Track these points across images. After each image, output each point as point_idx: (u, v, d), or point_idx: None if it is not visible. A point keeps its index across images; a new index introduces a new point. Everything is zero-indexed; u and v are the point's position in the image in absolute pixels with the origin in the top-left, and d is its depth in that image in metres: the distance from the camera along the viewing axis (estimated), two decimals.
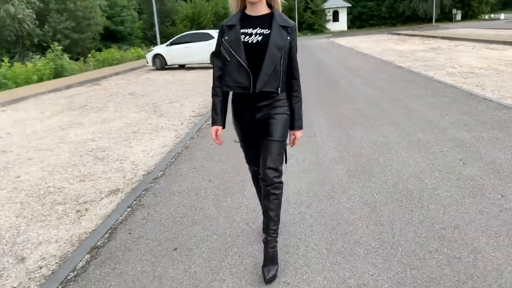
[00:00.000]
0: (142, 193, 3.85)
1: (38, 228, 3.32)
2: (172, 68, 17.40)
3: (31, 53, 22.95)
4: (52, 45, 16.60)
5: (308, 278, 2.38)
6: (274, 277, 2.38)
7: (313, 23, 52.45)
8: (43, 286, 2.52)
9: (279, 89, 2.30)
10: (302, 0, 51.73)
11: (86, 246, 2.93)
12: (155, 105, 8.74)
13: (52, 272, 2.67)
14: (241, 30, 2.27)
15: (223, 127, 2.47)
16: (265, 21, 2.29)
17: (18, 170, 4.84)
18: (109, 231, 3.14)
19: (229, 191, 3.77)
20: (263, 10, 2.32)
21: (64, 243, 3.05)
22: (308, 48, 24.36)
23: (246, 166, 2.80)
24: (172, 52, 16.79)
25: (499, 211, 2.98)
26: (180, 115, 7.55)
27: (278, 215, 2.39)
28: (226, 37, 2.29)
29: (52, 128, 7.06)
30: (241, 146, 2.58)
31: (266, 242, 2.43)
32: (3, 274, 2.70)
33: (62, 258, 2.83)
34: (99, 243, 2.97)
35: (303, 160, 4.45)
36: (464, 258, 2.46)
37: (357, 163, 4.24)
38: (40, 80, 14.50)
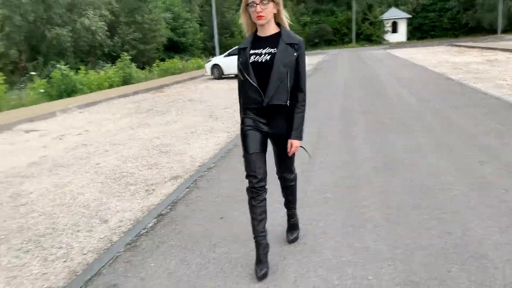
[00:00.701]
0: (198, 178, 4.64)
1: (116, 201, 4.19)
2: (228, 77, 18.45)
3: (101, 62, 25.02)
4: (122, 55, 18.23)
5: (323, 241, 3.02)
6: (295, 239, 3.05)
7: (371, 34, 52.12)
8: (122, 238, 3.34)
9: (288, 101, 2.53)
10: (360, 11, 51.68)
11: (154, 213, 3.75)
12: (211, 110, 9.65)
13: (128, 229, 3.49)
14: (252, 51, 2.54)
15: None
16: (273, 40, 2.53)
17: (98, 159, 5.83)
18: (171, 204, 3.93)
19: (268, 179, 4.46)
20: (272, 30, 2.56)
21: (137, 211, 3.88)
22: (363, 58, 24.62)
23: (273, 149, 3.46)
24: (228, 63, 17.85)
25: (499, 202, 3.44)
26: (233, 119, 8.37)
27: (295, 197, 3.02)
28: (240, 60, 2.60)
29: (123, 128, 8.13)
30: (243, 156, 2.67)
31: (288, 215, 3.08)
32: (92, 229, 3.56)
33: (135, 221, 3.66)
34: (163, 212, 3.77)
35: (337, 158, 5.06)
36: (454, 233, 2.98)
37: (384, 162, 4.78)
38: (111, 86, 16.05)
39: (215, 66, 18.26)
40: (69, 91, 13.58)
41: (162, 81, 18.06)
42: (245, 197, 2.72)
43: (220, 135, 6.95)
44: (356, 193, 3.91)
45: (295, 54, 2.50)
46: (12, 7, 22.19)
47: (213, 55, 29.90)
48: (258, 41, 2.56)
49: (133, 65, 18.85)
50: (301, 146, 2.68)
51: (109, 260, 2.96)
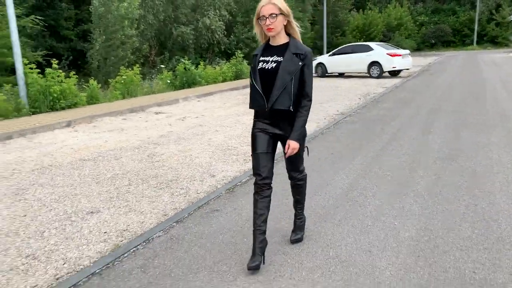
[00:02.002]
0: (277, 155, 5.76)
1: (222, 164, 5.49)
2: (332, 76, 19.23)
3: (218, 58, 27.42)
4: (236, 53, 20.10)
5: (371, 201, 3.93)
6: (297, 240, 3.13)
7: (496, 35, 48.19)
8: (224, 186, 4.60)
9: (291, 107, 2.69)
10: (485, 11, 48.08)
11: (248, 173, 4.96)
12: None
13: (228, 181, 4.75)
14: (261, 58, 2.76)
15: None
16: (281, 50, 2.73)
17: (210, 135, 7.27)
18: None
19: (341, 159, 5.42)
20: (282, 40, 2.76)
21: (236, 172, 5.13)
22: (478, 62, 23.49)
23: (359, 144, 4.41)
24: (333, 61, 18.65)
25: None
26: (325, 113, 9.32)
27: (303, 198, 3.14)
28: (251, 65, 2.82)
29: (231, 114, 9.58)
30: (251, 155, 2.89)
31: (295, 215, 3.19)
32: (203, 180, 4.88)
33: (234, 177, 4.90)
34: None
35: (407, 147, 5.80)
36: (479, 205, 3.68)
37: (449, 154, 5.41)
38: (224, 80, 17.93)
39: (319, 65, 19.18)
40: (190, 83, 15.65)
41: None
42: (321, 169, 3.73)
43: (310, 125, 7.97)
44: (412, 173, 4.69)
45: (300, 63, 2.68)
46: (147, 7, 25.40)
47: (322, 54, 30.78)
48: (269, 50, 2.78)
49: (245, 62, 20.61)
50: (306, 147, 2.92)
51: (214, 197, 4.22)
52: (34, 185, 4.84)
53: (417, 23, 49.94)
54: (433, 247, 2.99)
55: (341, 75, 19.37)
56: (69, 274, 2.86)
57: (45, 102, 10.04)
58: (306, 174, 3.12)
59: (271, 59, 2.72)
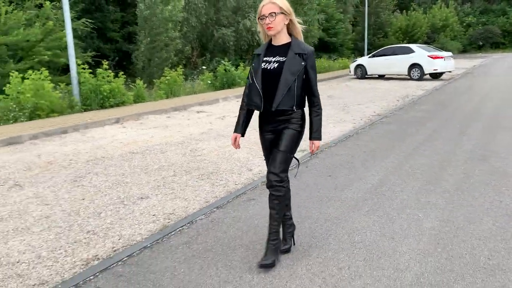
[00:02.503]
0: (318, 152, 6.04)
1: (258, 160, 5.84)
2: (371, 78, 19.20)
3: None
4: None
5: (399, 194, 4.16)
6: (263, 266, 2.76)
7: None
8: (259, 178, 4.94)
9: (294, 107, 2.70)
10: None
11: None
12: (345, 105, 10.88)
13: (264, 175, 5.08)
14: (264, 58, 2.75)
15: (242, 136, 2.98)
16: (284, 50, 2.73)
17: (247, 134, 7.63)
18: (294, 164, 5.41)
19: (374, 157, 5.64)
20: (284, 40, 2.75)
21: None
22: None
23: (393, 145, 4.64)
24: (372, 63, 18.63)
25: None
26: (362, 114, 9.49)
27: (279, 213, 2.80)
28: (253, 64, 2.81)
29: None
30: (265, 157, 2.96)
31: (268, 235, 2.85)
32: (241, 173, 5.25)
33: None
34: (291, 167, 5.27)
35: (440, 148, 5.94)
36: (504, 202, 3.84)
37: (481, 154, 5.52)
38: None
39: (359, 66, 19.20)
40: (229, 83, 16.14)
41: None
42: (353, 166, 4.01)
43: (346, 125, 8.20)
44: (441, 171, 4.86)
45: (303, 63, 2.68)
46: (190, 10, 26.20)
47: (363, 55, 30.61)
48: (271, 49, 2.78)
49: None
50: (295, 157, 2.88)
51: (251, 188, 4.58)
52: (90, 174, 5.38)
53: (464, 24, 48.50)
54: (452, 236, 3.20)
55: (381, 77, 19.31)
56: (124, 247, 3.30)
57: (95, 100, 10.77)
58: (286, 188, 2.81)
59: (273, 59, 2.72)
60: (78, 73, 10.70)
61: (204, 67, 19.73)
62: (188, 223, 3.69)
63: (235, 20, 29.16)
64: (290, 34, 2.78)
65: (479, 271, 2.70)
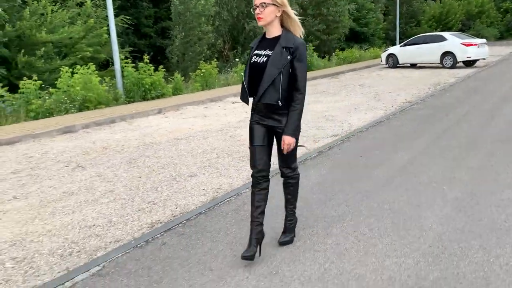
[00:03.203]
0: (351, 136, 6.42)
1: None
2: (403, 67, 19.19)
3: None
4: (307, 45, 20.78)
5: (423, 173, 4.51)
6: (285, 243, 3.04)
7: None
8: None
9: (279, 101, 2.65)
10: None
11: (317, 150, 5.70)
12: (376, 93, 11.14)
13: (299, 157, 5.53)
14: (255, 52, 2.74)
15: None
16: (273, 43, 2.68)
17: None
18: (328, 146, 5.83)
19: (404, 140, 5.98)
20: (275, 32, 2.70)
21: (306, 150, 5.89)
22: None
23: (423, 128, 4.97)
24: (404, 52, 18.62)
25: None
26: (393, 101, 9.74)
27: (293, 198, 3.03)
28: (247, 57, 2.89)
29: None
30: (249, 148, 2.89)
31: (286, 216, 3.08)
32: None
33: (305, 154, 5.66)
34: (322, 150, 5.69)
35: (469, 132, 6.21)
36: None
37: (508, 137, 5.77)
38: None
39: (391, 56, 19.22)
40: None
41: (338, 69, 19.93)
42: (377, 148, 4.39)
43: (377, 112, 8.50)
44: (468, 151, 5.17)
45: (288, 57, 2.62)
46: (222, 4, 26.70)
47: (394, 44, 30.34)
48: (263, 42, 2.76)
49: (315, 54, 21.16)
50: (300, 145, 2.91)
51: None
52: (142, 157, 5.96)
53: (501, 10, 46.93)
54: (474, 204, 3.56)
55: (413, 66, 19.27)
56: (181, 214, 3.82)
57: (138, 93, 11.46)
58: (299, 174, 3.02)
59: (263, 52, 2.70)
60: (122, 67, 11.40)
61: (237, 59, 20.24)
62: (234, 195, 4.19)
63: None
64: (283, 27, 2.72)
65: (495, 231, 3.06)
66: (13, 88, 10.58)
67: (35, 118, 9.36)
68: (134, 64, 11.89)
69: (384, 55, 19.72)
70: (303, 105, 2.72)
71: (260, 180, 2.84)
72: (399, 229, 3.20)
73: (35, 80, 10.02)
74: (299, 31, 2.75)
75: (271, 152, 2.88)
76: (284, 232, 3.09)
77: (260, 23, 2.68)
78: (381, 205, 3.70)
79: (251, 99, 2.83)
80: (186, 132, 7.46)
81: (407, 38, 31.38)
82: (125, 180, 4.92)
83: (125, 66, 11.46)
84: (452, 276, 2.53)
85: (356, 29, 35.66)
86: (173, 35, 21.30)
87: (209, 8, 20.76)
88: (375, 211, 3.58)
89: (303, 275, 2.66)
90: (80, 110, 10.04)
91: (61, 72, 10.42)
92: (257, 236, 2.81)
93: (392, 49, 19.65)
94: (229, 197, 4.12)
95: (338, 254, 2.89)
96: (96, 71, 10.89)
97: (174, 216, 3.79)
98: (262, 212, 2.86)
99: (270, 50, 2.67)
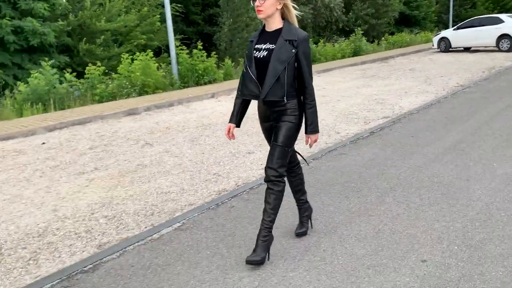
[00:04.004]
0: (401, 118, 6.59)
1: (345, 125, 6.52)
2: (456, 51, 18.67)
3: (335, 36, 27.86)
4: (356, 30, 20.58)
5: (435, 162, 4.67)
6: (251, 262, 2.59)
7: None
8: (348, 139, 5.65)
9: (285, 97, 2.54)
10: None
11: (368, 131, 5.94)
12: (427, 78, 11.07)
13: (352, 136, 5.79)
14: (256, 46, 2.62)
15: (237, 126, 2.83)
16: (274, 36, 2.57)
17: (333, 103, 8.32)
18: (379, 128, 6.05)
19: (455, 122, 6.09)
20: (276, 25, 2.58)
21: (357, 130, 6.14)
22: None
23: (474, 111, 5.10)
24: (457, 36, 18.10)
25: None
26: (445, 85, 9.70)
27: (273, 209, 2.62)
28: (246, 52, 2.68)
29: (351, 87, 10.47)
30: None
31: (260, 230, 2.66)
32: (330, 135, 5.99)
33: (355, 134, 5.92)
34: (374, 131, 5.93)
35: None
36: None
37: None
38: (343, 57, 18.65)
39: (443, 39, 18.74)
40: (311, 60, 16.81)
41: (388, 53, 19.67)
42: (428, 128, 4.57)
43: (428, 96, 8.54)
44: (485, 143, 5.25)
45: (293, 50, 2.51)
46: None
47: (447, 28, 29.33)
48: (263, 36, 2.64)
49: (364, 39, 20.97)
50: (298, 153, 2.91)
51: (341, 146, 5.32)
52: (202, 136, 6.44)
53: None
54: None
55: (466, 49, 18.70)
56: (244, 184, 4.24)
57: (192, 78, 12.02)
58: (284, 184, 2.67)
59: (263, 46, 2.59)
60: (177, 54, 11.99)
61: None
62: None
63: None
64: (284, 19, 2.61)
65: None
66: (75, 74, 11.45)
67: (100, 101, 10.12)
68: (188, 51, 12.43)
69: (436, 39, 19.24)
70: (315, 99, 2.65)
71: (273, 180, 2.63)
72: (448, 198, 3.45)
73: (99, 66, 10.79)
74: (295, 25, 2.63)
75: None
76: (254, 250, 2.64)
77: (260, 16, 2.56)
78: (431, 178, 3.94)
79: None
80: None
81: (461, 21, 30.20)
82: (190, 156, 5.40)
83: (180, 53, 12.03)
84: (497, 237, 2.78)
85: (407, 12, 34.68)
86: (220, 22, 21.70)
87: None
88: (425, 183, 3.83)
89: (359, 234, 2.99)
90: (140, 94, 10.72)
91: (122, 59, 11.13)
92: (306, 213, 3.03)
93: (444, 33, 19.14)
94: None
95: (390, 218, 3.20)
96: (154, 58, 11.53)
97: (237, 186, 4.21)
98: (304, 192, 3.04)
99: (271, 43, 2.56)
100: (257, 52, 2.60)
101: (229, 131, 2.83)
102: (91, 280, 2.67)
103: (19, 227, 3.56)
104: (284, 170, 2.67)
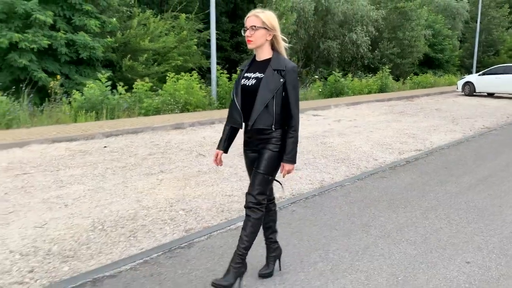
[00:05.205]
0: (434, 152, 7.13)
1: (381, 154, 7.08)
2: (479, 95, 19.21)
3: (359, 72, 28.66)
4: (383, 68, 21.34)
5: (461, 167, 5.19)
6: (216, 285, 2.56)
7: None
8: (386, 165, 6.19)
9: (273, 126, 2.58)
10: None
11: (402, 161, 6.49)
12: (453, 118, 11.62)
13: (389, 163, 6.33)
14: (245, 74, 2.69)
15: (225, 152, 2.86)
16: (263, 66, 2.63)
17: (366, 134, 8.89)
18: (414, 158, 6.59)
19: (484, 159, 6.61)
20: (265, 55, 2.65)
21: (394, 159, 6.68)
22: None
23: (502, 150, 5.64)
24: (482, 81, 18.69)
25: None
26: (471, 126, 10.23)
27: (248, 237, 2.61)
28: (236, 80, 2.74)
29: (381, 121, 11.06)
30: (249, 175, 2.81)
31: (232, 258, 2.66)
32: (368, 161, 6.54)
33: (394, 161, 6.46)
34: (409, 160, 6.47)
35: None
36: None
37: None
38: (369, 92, 19.33)
39: (467, 83, 19.33)
40: (338, 92, 17.48)
41: (412, 92, 20.30)
42: (459, 162, 5.12)
43: (456, 134, 9.08)
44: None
45: (281, 80, 2.57)
46: (301, 23, 27.91)
47: (470, 72, 29.97)
48: (253, 65, 2.72)
49: (390, 76, 21.70)
50: (276, 180, 2.75)
51: (380, 171, 5.87)
52: None
53: None
54: None
55: (490, 95, 19.24)
56: (298, 194, 4.81)
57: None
58: (262, 213, 2.67)
59: (252, 75, 2.67)
60: (217, 77, 12.79)
61: (316, 76, 21.26)
62: (338, 186, 5.12)
63: (341, 33, 30.25)
64: (275, 50, 2.68)
65: None
66: (116, 88, 12.28)
67: (145, 114, 10.89)
68: (228, 75, 13.23)
69: (460, 83, 19.85)
70: (298, 130, 2.66)
71: (251, 207, 2.64)
72: (484, 219, 3.97)
73: (147, 83, 11.62)
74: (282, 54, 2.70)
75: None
76: (224, 275, 2.64)
77: (250, 46, 2.63)
78: (468, 203, 4.46)
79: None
80: None
81: (483, 67, 30.86)
82: (243, 167, 5.98)
83: (220, 76, 12.83)
84: None
85: (431, 54, 35.50)
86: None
87: (288, 26, 21.99)
88: (462, 206, 4.36)
89: (409, 239, 3.53)
90: (182, 111, 11.47)
91: (167, 78, 11.97)
92: (274, 254, 2.93)
93: (469, 77, 19.75)
94: (335, 187, 5.06)
95: (434, 229, 3.73)
96: (197, 79, 12.34)
97: (292, 195, 4.79)
98: (274, 232, 2.96)
99: (260, 73, 2.63)
100: (247, 81, 2.67)
101: (216, 157, 2.86)
102: (189, 254, 3.24)
103: (112, 211, 4.18)
104: (264, 199, 2.65)
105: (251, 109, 2.60)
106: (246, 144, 2.78)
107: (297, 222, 3.91)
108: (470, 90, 19.21)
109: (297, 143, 2.65)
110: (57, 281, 2.89)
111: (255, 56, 2.73)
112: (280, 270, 2.99)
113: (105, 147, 7.22)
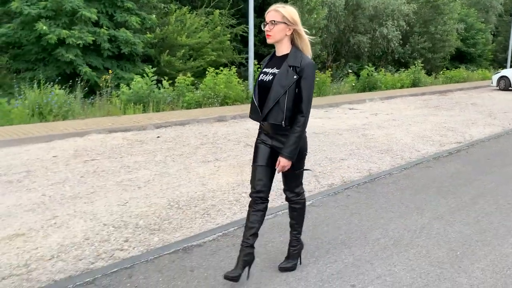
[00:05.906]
0: (472, 146, 7.30)
1: (422, 145, 7.28)
2: None
3: (390, 67, 28.52)
4: (416, 62, 21.29)
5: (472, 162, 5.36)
6: (286, 269, 2.89)
7: None
8: (430, 156, 6.42)
9: (283, 122, 2.58)
10: None
11: (439, 153, 6.70)
12: (490, 112, 11.65)
13: (432, 155, 6.56)
14: (264, 69, 2.72)
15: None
16: (281, 61, 2.64)
17: (404, 127, 9.08)
18: (450, 151, 6.80)
19: None
20: (284, 50, 2.66)
21: (435, 150, 6.89)
22: None
23: None
24: None
25: None
26: (510, 120, 10.27)
27: (298, 224, 2.91)
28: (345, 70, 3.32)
29: (417, 114, 11.20)
30: (252, 166, 2.80)
31: (289, 242, 2.97)
32: (411, 152, 6.77)
33: (436, 153, 6.68)
34: (445, 154, 6.68)
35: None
36: None
37: None
38: (401, 87, 19.35)
39: (503, 78, 19.10)
40: (371, 87, 17.60)
41: (445, 87, 20.19)
42: (501, 154, 5.31)
43: (495, 128, 9.18)
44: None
45: (295, 76, 2.57)
46: (331, 18, 27.95)
47: (504, 67, 29.38)
48: (272, 60, 2.74)
49: (423, 71, 21.61)
50: (306, 169, 2.85)
51: (424, 161, 6.11)
52: None
53: None
54: None
55: None
56: (348, 181, 5.13)
57: None
58: (304, 199, 2.91)
59: (270, 71, 2.69)
60: (254, 71, 13.16)
61: (350, 70, 21.38)
62: (386, 174, 5.42)
63: (372, 27, 30.10)
64: (294, 45, 2.68)
65: None
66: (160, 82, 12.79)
67: (187, 107, 11.36)
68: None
69: (495, 77, 19.62)
70: (305, 128, 2.64)
71: (257, 201, 2.74)
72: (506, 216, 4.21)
73: (188, 77, 12.10)
74: (307, 52, 2.70)
75: (273, 174, 2.79)
76: (287, 258, 2.96)
77: (269, 41, 2.65)
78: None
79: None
80: (319, 129, 8.81)
81: None
82: None
83: (257, 71, 13.21)
84: None
85: (463, 49, 34.94)
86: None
87: (319, 21, 22.13)
88: (509, 193, 4.61)
89: (462, 221, 3.82)
90: (221, 104, 11.90)
91: (208, 72, 12.42)
92: (245, 258, 2.73)
93: (504, 72, 19.51)
94: (384, 175, 5.36)
95: (485, 213, 4.01)
96: (236, 74, 12.74)
97: (344, 182, 5.11)
98: (255, 234, 2.76)
99: (277, 68, 2.64)
100: (264, 76, 2.69)
101: None
102: (262, 229, 3.61)
103: (182, 193, 4.60)
104: (301, 188, 2.88)
105: (264, 104, 2.66)
106: (263, 137, 2.79)
107: (354, 205, 4.23)
108: (505, 85, 18.97)
109: (300, 140, 2.62)
110: (152, 249, 3.32)
111: (275, 51, 2.75)
112: (301, 264, 3.04)
113: (158, 137, 7.70)
